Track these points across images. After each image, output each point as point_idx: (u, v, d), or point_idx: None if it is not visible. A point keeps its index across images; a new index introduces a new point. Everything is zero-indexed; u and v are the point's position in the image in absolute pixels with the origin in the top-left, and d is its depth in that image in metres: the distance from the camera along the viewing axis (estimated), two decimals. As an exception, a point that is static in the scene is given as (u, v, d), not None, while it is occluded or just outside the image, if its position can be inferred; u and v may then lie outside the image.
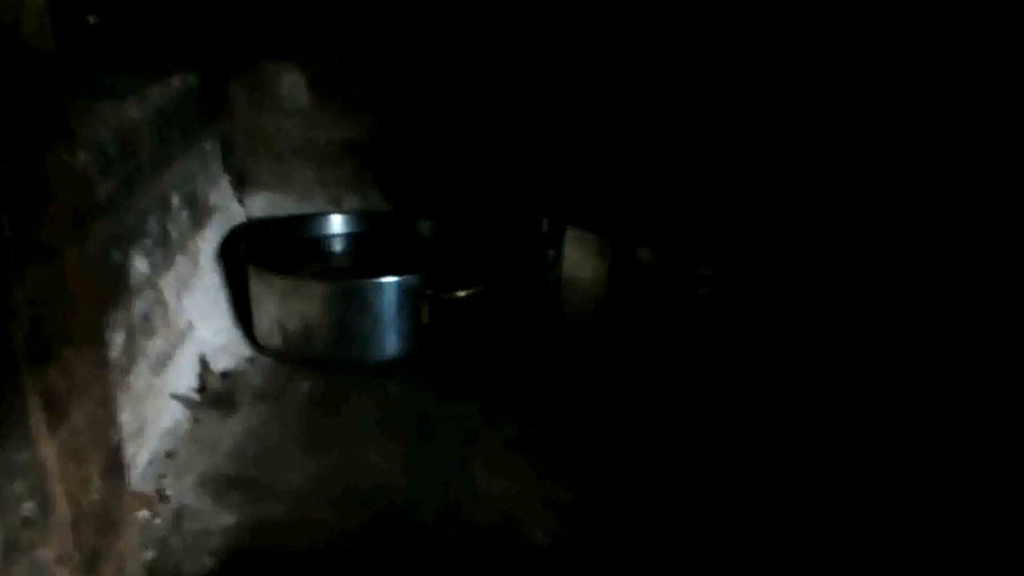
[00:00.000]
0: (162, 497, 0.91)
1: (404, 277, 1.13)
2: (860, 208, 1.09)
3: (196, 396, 1.09)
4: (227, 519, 0.87)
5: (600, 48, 1.22)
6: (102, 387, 0.43)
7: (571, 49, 1.23)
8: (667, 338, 1.08)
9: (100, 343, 0.44)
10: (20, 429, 0.36)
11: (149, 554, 0.82)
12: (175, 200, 1.08)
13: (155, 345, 1.00)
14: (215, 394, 1.10)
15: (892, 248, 1.05)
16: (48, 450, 0.37)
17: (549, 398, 1.09)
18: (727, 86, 1.17)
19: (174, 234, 1.07)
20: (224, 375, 1.15)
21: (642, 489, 0.92)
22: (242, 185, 1.36)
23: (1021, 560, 0.74)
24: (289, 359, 1.18)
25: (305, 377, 1.14)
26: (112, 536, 0.44)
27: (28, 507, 0.36)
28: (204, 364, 1.13)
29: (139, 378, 0.94)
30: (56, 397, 0.38)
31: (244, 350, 1.21)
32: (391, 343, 1.16)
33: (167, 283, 1.04)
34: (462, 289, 1.15)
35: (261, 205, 1.38)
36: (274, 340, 1.17)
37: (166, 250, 1.04)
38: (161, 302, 1.02)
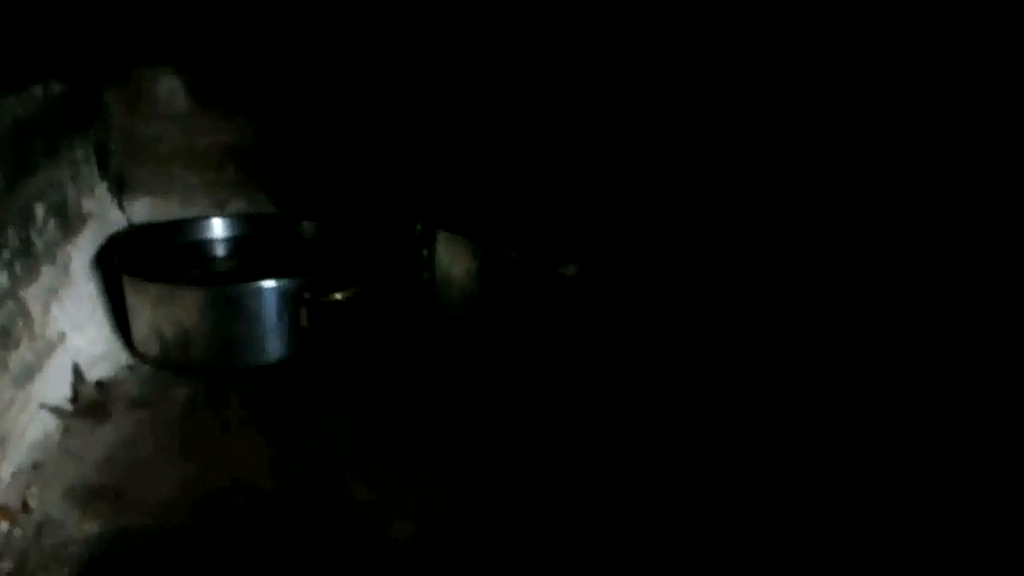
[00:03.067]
0: (26, 508, 0.90)
1: (281, 281, 1.14)
2: (717, 204, 1.14)
3: (69, 406, 1.08)
4: (90, 529, 0.87)
5: (463, 55, 1.25)
6: None
7: (437, 56, 1.26)
8: (535, 332, 1.12)
9: None
10: None
11: (6, 566, 0.82)
12: (39, 210, 1.07)
13: (19, 356, 0.99)
14: (89, 403, 1.10)
15: (757, 243, 1.10)
16: None
17: (424, 397, 1.12)
18: (586, 87, 1.21)
19: (39, 244, 1.06)
20: (100, 384, 1.14)
21: (509, 483, 0.95)
22: (122, 191, 1.35)
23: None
24: (168, 366, 1.18)
25: (183, 384, 1.15)
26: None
27: None
28: (78, 373, 1.12)
29: (2, 390, 0.94)
30: None
31: (123, 358, 1.21)
32: (270, 347, 1.17)
33: (31, 294, 1.03)
34: (340, 291, 1.17)
35: (143, 210, 1.37)
36: (152, 348, 1.18)
37: (28, 261, 1.03)
38: (24, 313, 1.01)
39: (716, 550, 0.84)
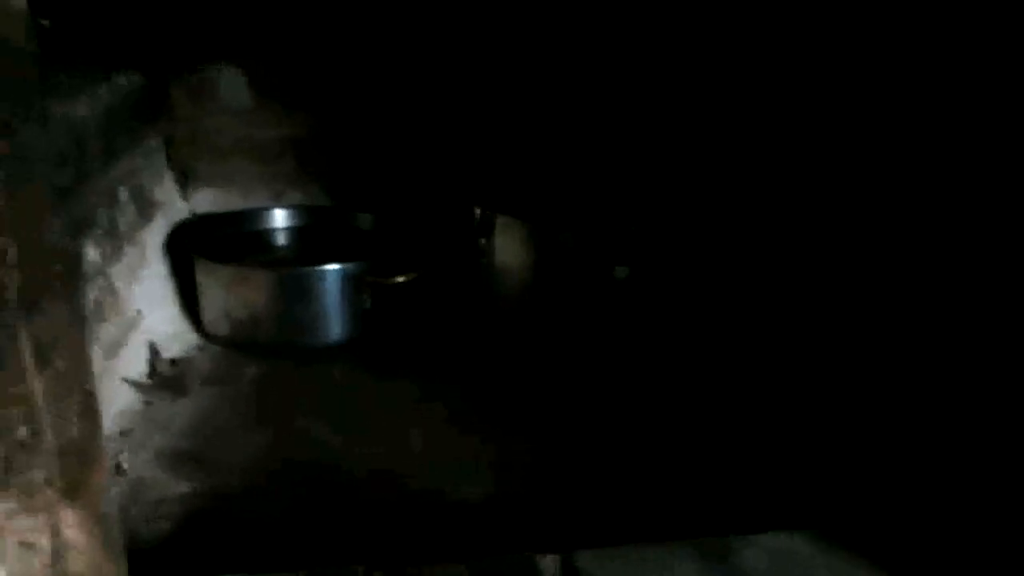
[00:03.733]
0: (120, 471, 0.96)
1: (345, 264, 1.20)
2: (770, 196, 1.19)
3: (147, 381, 1.14)
4: (182, 488, 0.93)
5: (523, 47, 1.32)
6: (78, 340, 0.50)
7: (495, 48, 1.32)
8: (589, 316, 1.17)
9: (76, 301, 0.50)
10: (15, 366, 0.43)
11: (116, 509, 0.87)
12: (123, 194, 1.14)
13: (107, 331, 1.05)
14: (165, 379, 1.15)
15: (800, 233, 1.16)
16: (37, 387, 0.44)
17: (482, 375, 1.17)
18: (641, 79, 1.27)
19: (122, 226, 1.13)
20: (173, 362, 1.20)
21: (566, 448, 1.01)
22: (185, 181, 1.41)
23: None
24: (236, 346, 1.23)
25: (252, 363, 1.21)
26: (89, 470, 0.51)
27: (22, 432, 0.43)
28: (154, 351, 1.18)
29: (94, 361, 0.99)
30: (42, 343, 0.45)
31: (193, 338, 1.27)
32: (334, 329, 1.23)
33: (117, 272, 1.09)
34: (400, 275, 1.23)
35: (205, 201, 1.43)
36: (221, 328, 1.23)
37: (115, 241, 1.09)
38: (111, 290, 1.07)
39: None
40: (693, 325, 1.21)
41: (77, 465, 0.49)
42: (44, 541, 0.45)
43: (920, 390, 0.93)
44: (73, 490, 0.49)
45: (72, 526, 0.48)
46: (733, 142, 1.23)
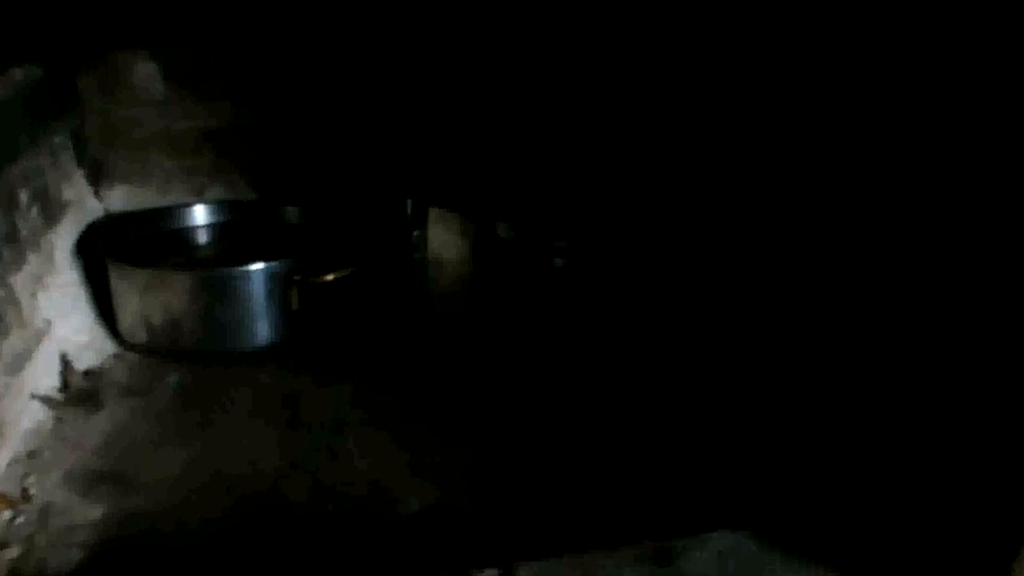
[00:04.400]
0: (26, 496, 0.89)
1: (271, 263, 1.14)
2: (705, 183, 1.17)
3: (59, 396, 1.07)
4: (94, 513, 0.87)
5: (453, 29, 1.26)
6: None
7: (425, 29, 1.27)
8: (528, 309, 1.14)
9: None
10: None
11: (13, 552, 0.81)
12: (23, 196, 1.05)
13: (10, 344, 0.98)
14: (79, 392, 1.08)
15: (739, 223, 1.13)
16: None
17: (419, 376, 1.13)
18: (572, 67, 1.23)
19: (24, 231, 1.05)
20: (88, 373, 1.13)
21: (508, 453, 0.97)
22: (98, 179, 1.33)
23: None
24: (156, 354, 1.17)
25: (173, 370, 1.14)
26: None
27: None
28: (66, 363, 1.10)
29: (-6, 379, 0.92)
30: None
31: (109, 347, 1.19)
32: (261, 331, 1.17)
33: (19, 281, 1.01)
34: (330, 272, 1.17)
35: (120, 198, 1.35)
36: (139, 335, 1.16)
37: (15, 248, 1.01)
38: (13, 301, 0.99)
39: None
40: (634, 315, 1.18)
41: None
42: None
43: (858, 383, 0.92)
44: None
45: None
46: (667, 127, 1.20)
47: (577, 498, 0.89)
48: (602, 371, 1.12)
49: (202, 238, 1.33)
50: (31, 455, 0.96)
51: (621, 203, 1.18)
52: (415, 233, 1.18)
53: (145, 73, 1.31)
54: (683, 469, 0.93)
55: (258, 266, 1.13)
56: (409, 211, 1.18)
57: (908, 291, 0.85)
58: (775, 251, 1.04)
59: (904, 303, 0.86)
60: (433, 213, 1.15)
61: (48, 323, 1.09)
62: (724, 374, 1.08)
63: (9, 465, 0.93)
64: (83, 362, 1.14)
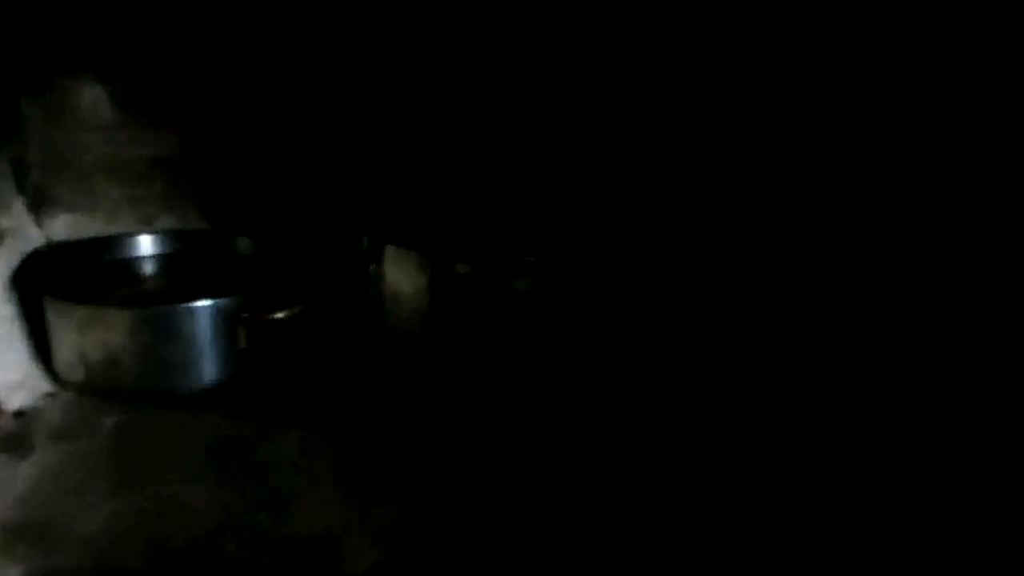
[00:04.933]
0: (-62, 554, 0.83)
1: (217, 300, 1.08)
2: (669, 214, 1.13)
3: (-16, 439, 1.00)
4: (11, 573, 0.80)
5: (407, 62, 1.23)
6: None
7: (380, 62, 1.23)
8: (489, 349, 1.09)
9: None
10: None
11: None
12: (-49, 227, 0.99)
13: (-73, 387, 0.91)
14: (7, 435, 1.02)
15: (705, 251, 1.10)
16: None
17: (374, 420, 1.07)
18: (532, 97, 1.20)
19: (-49, 264, 0.98)
20: (19, 414, 1.06)
21: (462, 505, 0.92)
22: (40, 206, 1.27)
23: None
24: (94, 393, 1.10)
25: (112, 411, 1.07)
26: None
27: None
28: (-6, 403, 1.04)
29: (-92, 424, 0.86)
30: None
31: (43, 385, 1.13)
32: (206, 371, 1.11)
33: (-58, 318, 0.95)
34: (281, 310, 1.12)
35: (64, 227, 1.29)
36: (76, 373, 1.10)
37: (-60, 282, 0.95)
38: (-66, 339, 0.93)
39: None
40: (597, 352, 1.13)
41: None
42: None
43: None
44: None
45: None
46: (631, 142, 1.16)
47: (540, 560, 0.84)
48: (562, 409, 1.07)
49: (148, 269, 1.27)
50: (-51, 506, 0.89)
51: (583, 239, 1.15)
52: (371, 268, 1.14)
53: (92, 98, 1.26)
54: (648, 521, 0.89)
55: (204, 303, 1.08)
56: (364, 246, 1.13)
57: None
58: (752, 264, 1.01)
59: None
60: (389, 249, 1.10)
61: (-24, 361, 1.03)
62: (698, 401, 1.04)
63: (-77, 518, 0.87)
64: (14, 402, 1.07)
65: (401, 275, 1.12)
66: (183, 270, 1.26)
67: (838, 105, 0.91)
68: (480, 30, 1.18)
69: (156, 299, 1.17)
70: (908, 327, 0.86)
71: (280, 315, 1.11)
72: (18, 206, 1.23)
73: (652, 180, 1.12)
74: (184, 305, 1.08)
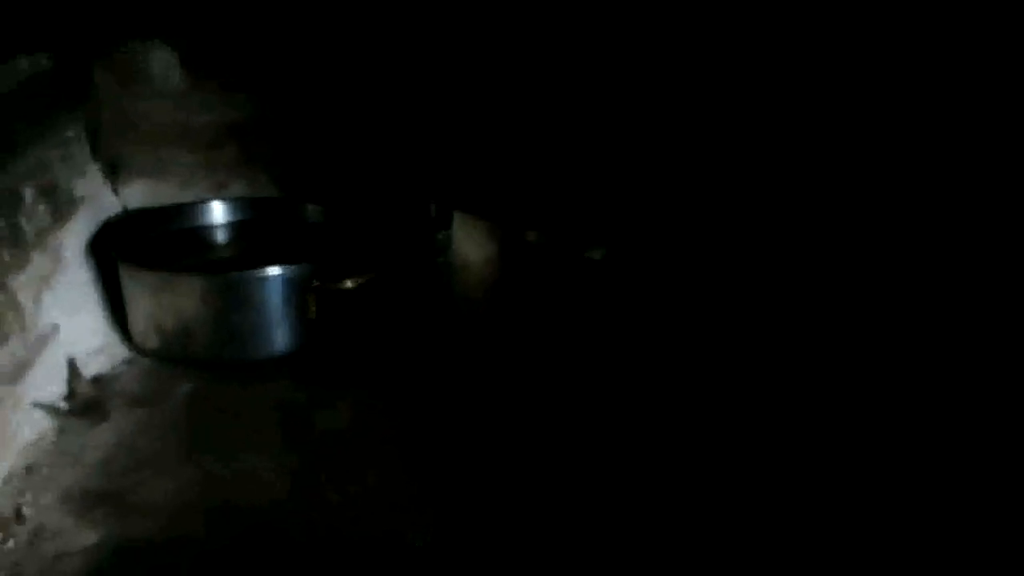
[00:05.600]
0: (19, 517, 0.84)
1: (288, 268, 1.07)
2: (743, 192, 1.08)
3: (63, 404, 1.01)
4: (88, 539, 0.81)
5: (484, 33, 1.18)
6: None
7: (457, 33, 1.19)
8: (557, 318, 1.05)
9: None
10: None
11: (-2, 580, 0.76)
12: (28, 193, 1.00)
13: (8, 352, 0.92)
14: (85, 401, 1.03)
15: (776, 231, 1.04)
16: None
17: (441, 390, 1.05)
18: (605, 73, 1.15)
19: (28, 230, 0.99)
20: (96, 380, 1.08)
21: (525, 476, 0.89)
22: (115, 173, 1.27)
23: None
24: (168, 359, 1.11)
25: (185, 378, 1.08)
26: None
27: None
28: (73, 369, 1.05)
29: (-10, 389, 0.87)
30: None
31: (121, 352, 1.14)
32: (276, 339, 1.10)
33: (20, 283, 0.96)
34: (351, 279, 1.10)
35: (138, 194, 1.29)
36: (151, 340, 1.11)
37: (17, 248, 0.96)
38: (13, 304, 0.94)
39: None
40: (666, 324, 1.09)
41: None
42: None
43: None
44: None
45: None
46: (699, 136, 1.11)
47: (597, 531, 0.81)
48: (632, 381, 1.03)
49: (220, 237, 1.27)
50: (29, 470, 0.91)
51: (654, 209, 1.09)
52: (439, 235, 1.11)
53: (163, 64, 1.25)
54: (706, 496, 0.85)
55: (275, 270, 1.07)
56: (433, 213, 1.10)
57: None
58: (815, 252, 0.96)
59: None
60: (458, 216, 1.07)
61: (55, 326, 1.04)
62: (756, 384, 0.99)
63: (6, 480, 0.88)
64: (92, 368, 1.09)
65: (470, 243, 1.08)
66: (254, 237, 1.26)
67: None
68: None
69: (228, 266, 1.17)
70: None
71: (349, 284, 1.09)
72: (93, 172, 1.23)
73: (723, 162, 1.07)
74: (255, 272, 1.07)
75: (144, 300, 1.09)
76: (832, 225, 0.92)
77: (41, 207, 1.04)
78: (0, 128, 0.93)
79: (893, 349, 0.84)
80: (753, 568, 0.78)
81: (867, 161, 0.87)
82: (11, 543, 0.80)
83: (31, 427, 0.96)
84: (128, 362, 1.13)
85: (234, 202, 1.29)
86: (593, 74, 1.17)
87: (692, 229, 1.07)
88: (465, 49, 1.20)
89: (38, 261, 1.01)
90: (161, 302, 1.08)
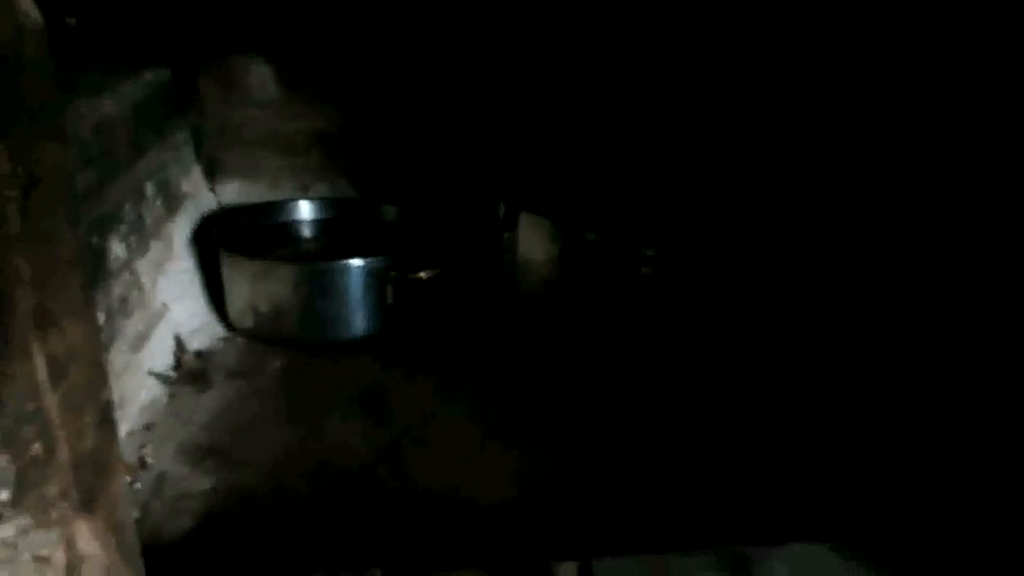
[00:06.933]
0: (143, 465, 0.97)
1: (369, 259, 1.20)
2: (788, 193, 1.17)
3: (172, 374, 1.15)
4: (204, 484, 0.94)
5: (549, 44, 1.30)
6: (94, 352, 0.50)
7: (522, 45, 1.31)
8: (614, 314, 1.16)
9: (91, 314, 0.51)
10: (29, 384, 0.43)
11: (132, 516, 0.88)
12: (149, 188, 1.14)
13: (132, 325, 1.06)
14: (190, 371, 1.17)
15: (820, 231, 1.14)
16: (51, 402, 0.44)
17: (504, 373, 1.17)
18: (664, 79, 1.25)
19: (148, 220, 1.13)
20: (199, 354, 1.21)
21: (588, 452, 1.00)
22: (213, 174, 1.42)
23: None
24: (261, 339, 1.24)
25: (277, 355, 1.21)
26: (105, 479, 0.51)
27: (36, 448, 0.43)
28: (179, 343, 1.19)
29: (118, 355, 1.01)
30: (57, 359, 0.45)
31: (218, 331, 1.28)
32: (358, 323, 1.23)
33: (143, 267, 1.10)
34: (424, 270, 1.23)
35: (232, 192, 1.44)
36: (246, 321, 1.24)
37: (141, 236, 1.10)
38: (137, 284, 1.08)
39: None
40: (719, 323, 1.19)
41: (92, 476, 0.49)
42: (59, 555, 0.46)
43: (942, 399, 0.91)
44: (88, 502, 0.49)
45: (87, 538, 0.49)
46: (753, 142, 1.21)
47: (655, 499, 0.92)
48: (685, 376, 1.14)
49: (306, 232, 1.41)
50: (147, 427, 1.04)
51: (708, 211, 1.20)
52: (505, 235, 1.22)
53: (260, 76, 1.39)
54: (762, 476, 0.95)
55: (357, 262, 1.20)
56: (501, 214, 1.22)
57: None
58: (864, 264, 1.04)
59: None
60: (524, 217, 1.19)
61: (165, 306, 1.18)
62: (808, 383, 1.09)
63: (128, 436, 1.02)
64: (195, 343, 1.22)
65: (534, 241, 1.20)
66: (337, 234, 1.39)
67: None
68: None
69: (315, 258, 1.30)
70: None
71: (423, 275, 1.22)
72: (196, 173, 1.38)
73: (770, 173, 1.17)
74: (340, 263, 1.20)
75: (242, 285, 1.22)
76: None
77: (158, 202, 1.18)
78: (132, 131, 1.07)
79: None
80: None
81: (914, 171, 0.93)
82: (139, 484, 0.94)
83: (147, 391, 1.09)
84: (225, 340, 1.26)
85: (319, 201, 1.43)
86: (649, 84, 1.28)
87: (738, 231, 1.17)
88: (537, 62, 1.32)
89: (155, 248, 1.15)
90: (257, 287, 1.21)
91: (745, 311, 1.18)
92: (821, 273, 1.12)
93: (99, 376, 0.50)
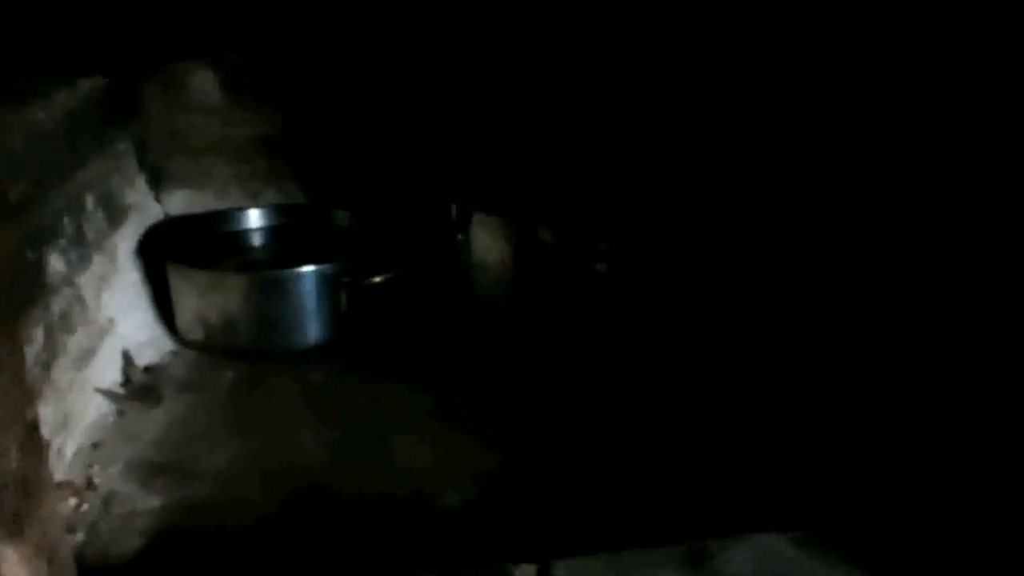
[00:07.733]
0: (90, 485, 0.94)
1: (321, 266, 1.18)
2: (743, 191, 1.17)
3: (120, 390, 1.12)
4: (153, 502, 0.91)
5: (499, 44, 1.29)
6: (16, 370, 0.48)
7: (468, 44, 1.30)
8: (570, 311, 1.16)
9: (13, 332, 0.48)
10: (-59, 405, 0.41)
11: (79, 537, 0.86)
12: (89, 200, 1.11)
13: (76, 341, 1.03)
14: (139, 387, 1.14)
15: (784, 227, 1.14)
16: (-32, 424, 0.42)
17: (460, 376, 1.15)
18: (616, 77, 1.25)
19: (90, 233, 1.10)
20: (148, 369, 1.18)
21: (548, 451, 0.99)
22: (158, 183, 1.39)
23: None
24: (212, 351, 1.22)
25: (228, 367, 1.19)
26: (34, 502, 0.49)
27: (-48, 473, 0.41)
28: (127, 359, 1.16)
29: (61, 373, 0.97)
30: (-27, 378, 0.43)
31: (167, 344, 1.25)
32: (312, 330, 1.21)
33: (85, 281, 1.07)
34: (378, 275, 1.21)
35: (179, 202, 1.41)
36: (196, 333, 1.21)
37: (82, 249, 1.07)
38: (79, 300, 1.05)
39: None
40: (676, 318, 1.19)
41: (18, 499, 0.47)
42: (-18, 582, 0.44)
43: (903, 389, 0.92)
44: (15, 526, 0.47)
45: (14, 564, 0.46)
46: (708, 137, 1.21)
47: (613, 497, 0.91)
48: (641, 372, 1.13)
49: (256, 241, 1.38)
50: (95, 446, 1.01)
51: (662, 208, 1.20)
52: (459, 237, 1.21)
53: (203, 82, 1.36)
54: (718, 470, 0.94)
55: (309, 268, 1.17)
56: (454, 215, 1.20)
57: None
58: (824, 257, 1.05)
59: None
60: (477, 217, 1.18)
61: (111, 321, 1.15)
62: (763, 376, 1.09)
63: (75, 455, 0.99)
64: (143, 358, 1.19)
65: (488, 242, 1.19)
66: (288, 241, 1.37)
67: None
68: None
69: (265, 266, 1.28)
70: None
71: (377, 279, 1.20)
72: (140, 182, 1.35)
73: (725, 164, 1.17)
74: (292, 270, 1.18)
75: (191, 297, 1.20)
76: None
77: (99, 213, 1.15)
78: (69, 143, 1.04)
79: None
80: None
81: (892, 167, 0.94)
82: (86, 506, 0.91)
83: (94, 409, 1.06)
84: (174, 353, 1.23)
85: (268, 208, 1.40)
86: (599, 80, 1.28)
87: (692, 226, 1.17)
88: (483, 61, 1.31)
89: (98, 262, 1.12)
90: (207, 299, 1.19)
91: (701, 304, 1.18)
92: (777, 262, 1.13)
93: (22, 394, 0.48)
